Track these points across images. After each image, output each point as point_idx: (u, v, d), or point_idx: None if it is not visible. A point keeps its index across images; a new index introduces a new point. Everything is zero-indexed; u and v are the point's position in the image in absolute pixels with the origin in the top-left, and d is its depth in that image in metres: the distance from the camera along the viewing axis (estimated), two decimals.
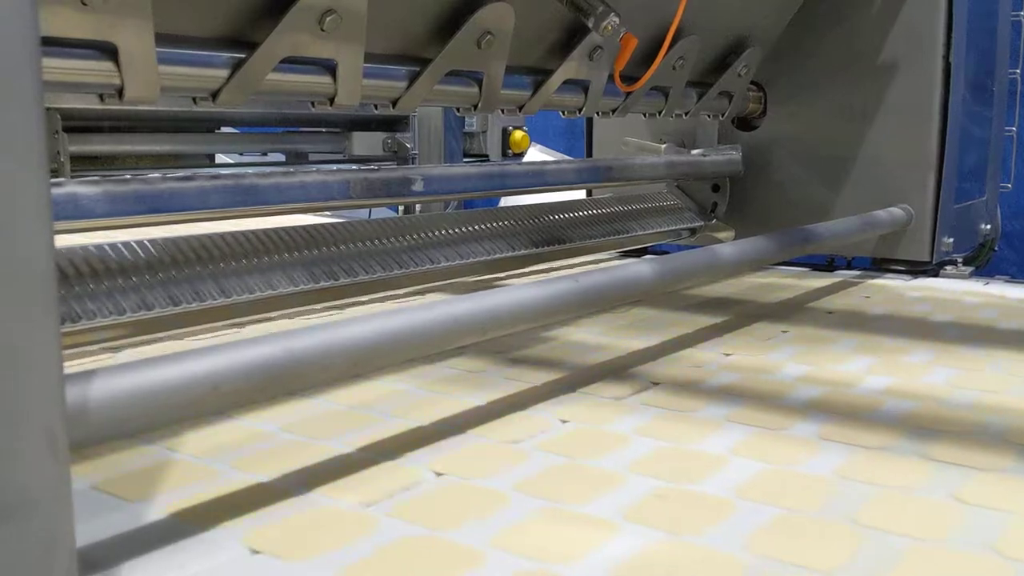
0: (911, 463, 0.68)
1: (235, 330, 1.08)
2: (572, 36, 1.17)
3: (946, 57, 1.50)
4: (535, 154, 3.88)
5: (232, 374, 0.52)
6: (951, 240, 1.56)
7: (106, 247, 0.90)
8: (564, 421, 0.78)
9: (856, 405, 0.83)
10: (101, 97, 0.74)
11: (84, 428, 0.46)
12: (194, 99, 0.83)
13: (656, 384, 0.89)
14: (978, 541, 0.56)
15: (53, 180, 0.85)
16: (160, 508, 0.60)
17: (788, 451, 0.71)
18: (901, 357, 1.00)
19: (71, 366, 0.88)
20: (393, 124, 3.45)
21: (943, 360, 0.99)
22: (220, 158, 3.59)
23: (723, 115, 1.61)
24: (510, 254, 1.33)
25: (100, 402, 0.46)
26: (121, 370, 0.48)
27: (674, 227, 1.67)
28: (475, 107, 1.11)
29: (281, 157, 3.63)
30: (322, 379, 0.76)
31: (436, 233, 1.25)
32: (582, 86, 1.24)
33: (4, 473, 0.37)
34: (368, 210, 2.36)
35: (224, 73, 0.82)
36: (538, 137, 4.04)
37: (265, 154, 3.67)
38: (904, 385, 0.89)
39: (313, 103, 0.93)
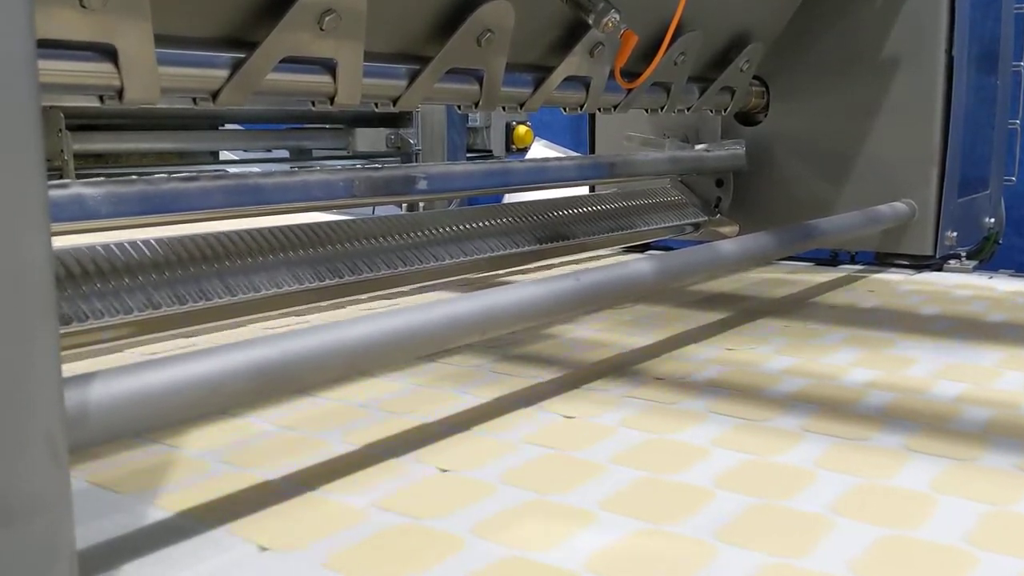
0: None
1: (241, 328, 1.09)
2: (572, 33, 1.17)
3: (949, 51, 1.50)
4: (539, 149, 3.87)
5: (231, 376, 0.53)
6: (954, 234, 1.56)
7: (112, 247, 0.91)
8: (568, 417, 0.78)
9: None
10: (101, 99, 0.74)
11: (84, 431, 0.46)
12: (194, 100, 0.83)
13: (660, 380, 0.89)
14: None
15: (59, 182, 0.85)
16: (164, 507, 0.60)
17: (875, 462, 0.70)
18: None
19: (78, 366, 0.89)
20: (396, 120, 3.45)
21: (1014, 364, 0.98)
22: (224, 155, 3.59)
23: (725, 110, 1.61)
24: (514, 251, 1.33)
25: (99, 405, 0.46)
26: (120, 373, 0.48)
27: (678, 222, 1.67)
28: (476, 105, 1.11)
29: (285, 153, 3.64)
30: (321, 380, 0.76)
31: (440, 230, 1.25)
32: (583, 83, 1.24)
33: (5, 477, 0.38)
34: (372, 208, 2.36)
35: (224, 73, 0.82)
36: (543, 132, 4.04)
37: (269, 151, 3.67)
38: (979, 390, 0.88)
39: (313, 102, 0.93)
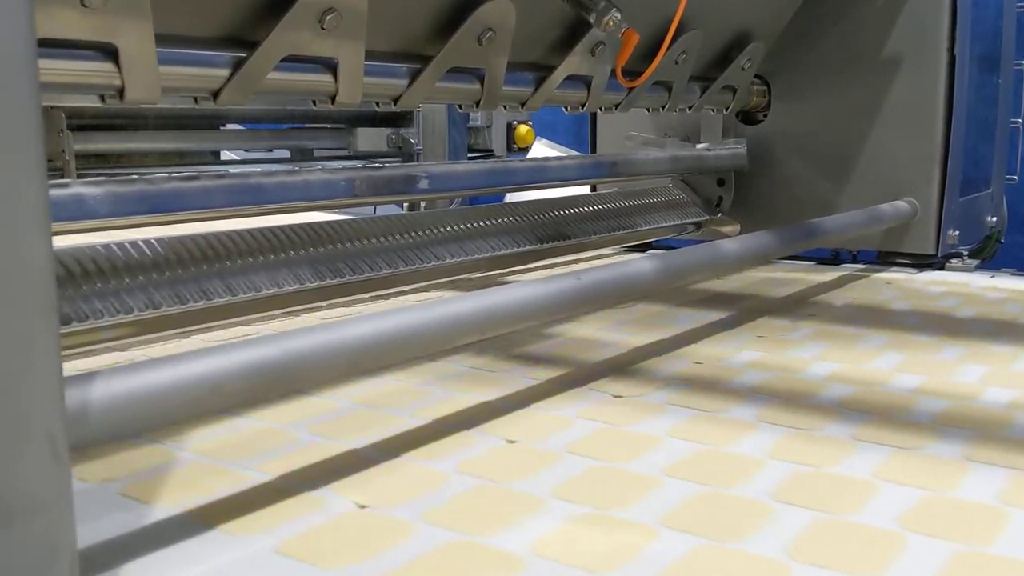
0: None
1: (242, 328, 1.09)
2: (574, 32, 1.17)
3: (950, 50, 1.49)
4: (541, 149, 3.87)
5: (232, 375, 0.53)
6: (956, 233, 1.55)
7: (113, 246, 0.91)
8: (569, 418, 0.78)
9: (892, 406, 0.82)
10: (102, 98, 0.74)
11: (85, 431, 0.46)
12: (195, 99, 0.83)
13: (660, 380, 0.89)
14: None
15: (59, 181, 0.85)
16: (164, 507, 0.60)
17: (823, 452, 0.70)
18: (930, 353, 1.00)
19: (79, 366, 0.89)
20: (397, 120, 3.45)
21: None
22: (225, 155, 3.59)
23: (727, 109, 1.61)
24: (515, 250, 1.33)
25: (100, 404, 0.46)
26: (120, 372, 0.48)
27: (679, 222, 1.67)
28: (477, 104, 1.11)
29: (286, 153, 3.63)
30: (322, 379, 0.76)
31: (441, 230, 1.25)
32: (584, 82, 1.24)
33: (5, 477, 0.38)
34: (373, 207, 2.36)
35: (225, 73, 0.82)
36: (544, 132, 4.04)
37: (270, 150, 3.67)
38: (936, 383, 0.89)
39: (315, 102, 0.93)
